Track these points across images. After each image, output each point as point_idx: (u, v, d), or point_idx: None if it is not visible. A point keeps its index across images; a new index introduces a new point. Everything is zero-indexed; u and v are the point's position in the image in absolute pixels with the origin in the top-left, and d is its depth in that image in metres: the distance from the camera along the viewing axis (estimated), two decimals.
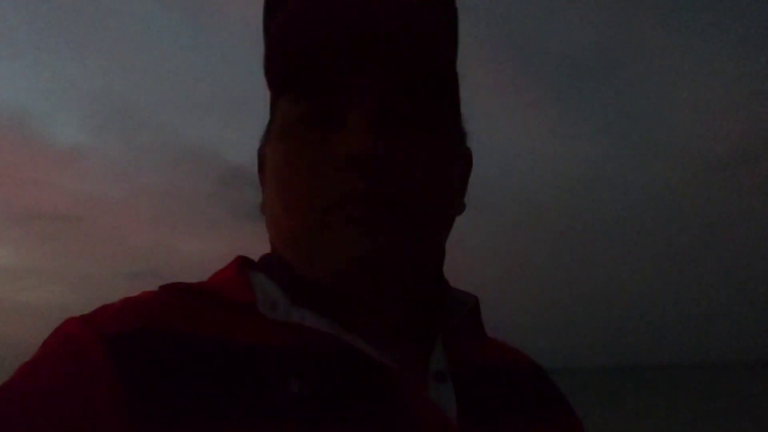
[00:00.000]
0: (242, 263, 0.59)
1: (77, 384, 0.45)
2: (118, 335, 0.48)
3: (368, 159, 0.50)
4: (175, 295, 0.53)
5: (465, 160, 0.63)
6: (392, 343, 0.54)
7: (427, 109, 0.55)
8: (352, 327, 0.52)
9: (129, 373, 0.46)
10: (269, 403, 0.46)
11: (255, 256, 0.62)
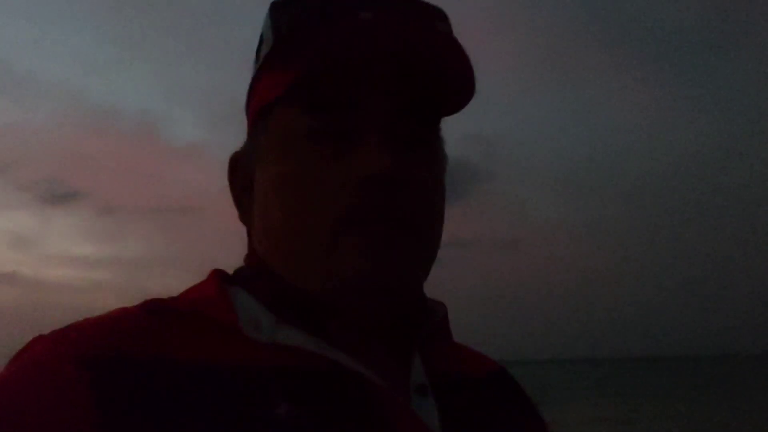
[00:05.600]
0: (221, 278, 0.57)
1: (52, 414, 0.43)
2: (96, 359, 0.46)
3: (387, 179, 0.51)
4: (156, 314, 0.51)
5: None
6: (375, 356, 0.55)
7: (428, 131, 0.58)
8: (336, 343, 0.52)
9: (109, 400, 0.44)
10: (257, 427, 0.46)
11: None
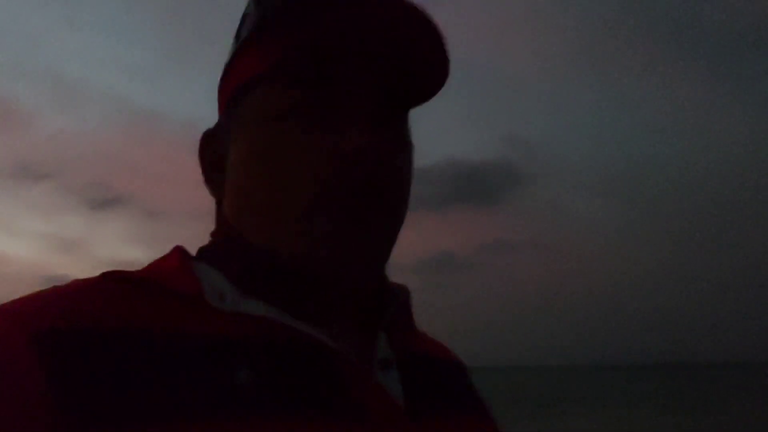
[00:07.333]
0: (183, 253, 0.57)
1: (1, 391, 0.42)
2: (49, 332, 0.44)
3: (366, 155, 0.53)
4: (117, 284, 0.51)
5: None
6: (340, 330, 0.56)
7: (401, 114, 0.60)
8: (301, 315, 0.53)
9: (62, 375, 0.43)
10: (218, 394, 0.46)
11: None
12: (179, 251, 0.58)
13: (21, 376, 0.42)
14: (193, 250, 0.59)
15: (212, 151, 0.62)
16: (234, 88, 0.59)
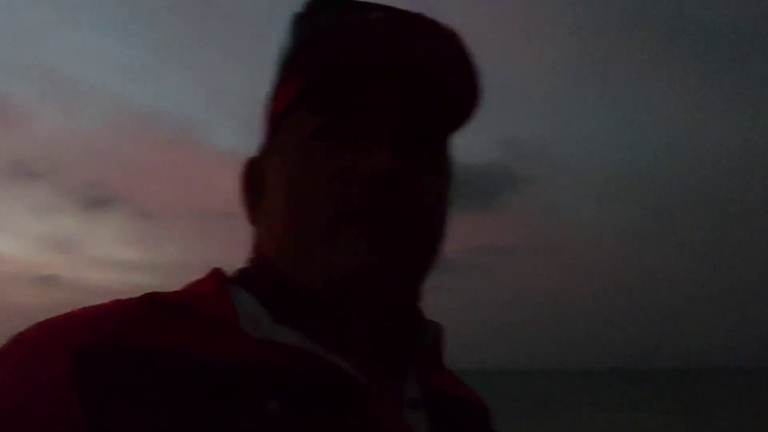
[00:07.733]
0: (220, 276, 0.58)
1: (37, 401, 0.44)
2: (88, 348, 0.46)
3: (386, 179, 0.52)
4: (155, 307, 0.51)
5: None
6: (371, 365, 0.55)
7: (434, 141, 0.58)
8: (333, 347, 0.52)
9: (96, 390, 0.44)
10: (246, 422, 0.46)
11: None
12: (216, 274, 0.58)
13: (58, 390, 0.44)
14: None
15: (254, 176, 0.63)
16: (273, 116, 0.60)
